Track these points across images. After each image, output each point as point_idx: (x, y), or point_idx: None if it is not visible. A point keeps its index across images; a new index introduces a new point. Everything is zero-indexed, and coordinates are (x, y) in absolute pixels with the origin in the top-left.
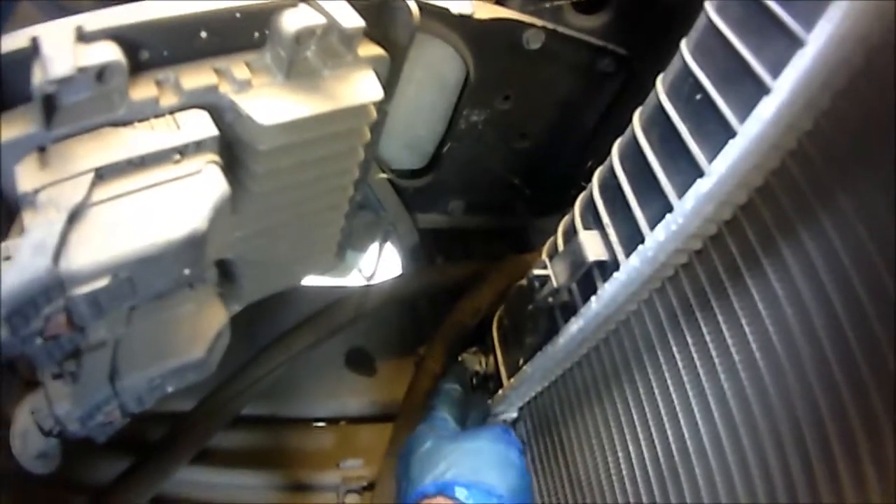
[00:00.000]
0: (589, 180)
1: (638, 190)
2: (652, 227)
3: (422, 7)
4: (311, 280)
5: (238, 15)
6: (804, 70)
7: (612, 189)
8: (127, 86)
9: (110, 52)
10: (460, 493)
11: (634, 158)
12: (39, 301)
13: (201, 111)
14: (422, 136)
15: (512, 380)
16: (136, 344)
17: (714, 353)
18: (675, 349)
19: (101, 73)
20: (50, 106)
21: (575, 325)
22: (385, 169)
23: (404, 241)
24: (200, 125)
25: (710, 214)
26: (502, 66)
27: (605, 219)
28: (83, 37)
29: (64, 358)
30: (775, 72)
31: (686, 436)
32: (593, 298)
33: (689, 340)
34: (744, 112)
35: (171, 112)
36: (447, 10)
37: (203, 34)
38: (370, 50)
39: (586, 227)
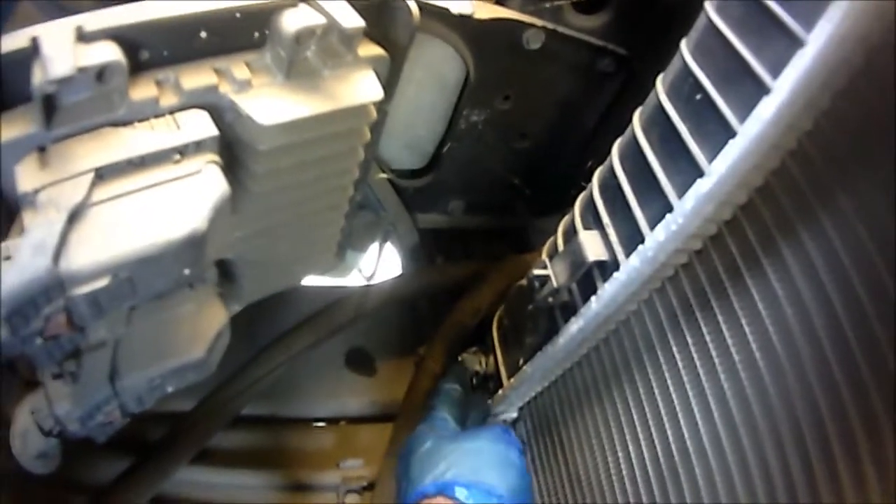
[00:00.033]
0: (589, 180)
1: (638, 190)
2: (652, 227)
3: (422, 7)
4: (311, 280)
5: (238, 15)
6: (804, 70)
7: (612, 189)
8: (127, 86)
9: (110, 52)
10: (460, 493)
11: (634, 158)
12: (39, 301)
13: (201, 111)
14: (422, 135)
15: (512, 380)
16: (136, 344)
17: (714, 353)
18: (675, 349)
19: (101, 73)
20: (50, 106)
21: (575, 325)
22: (385, 169)
23: (404, 241)
24: (200, 125)
25: (710, 214)
26: (502, 66)
27: (605, 219)
28: (83, 37)
29: (64, 358)
30: (775, 72)
31: (686, 436)
32: (593, 298)
33: (689, 340)
34: (744, 112)
35: (171, 112)
36: (447, 10)
37: (203, 34)
38: (370, 50)
39: (586, 227)
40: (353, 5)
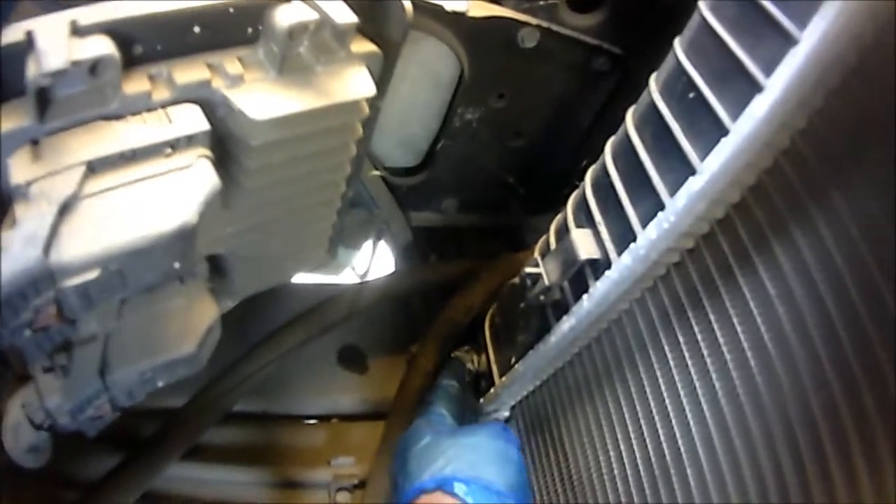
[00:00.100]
0: (583, 179)
1: (630, 188)
2: (644, 226)
3: (416, 4)
4: (304, 277)
5: (231, 10)
6: (797, 68)
7: (604, 187)
8: (120, 80)
9: (104, 46)
10: (459, 488)
11: (627, 157)
12: (29, 292)
13: (193, 106)
14: (416, 133)
15: (504, 378)
16: (127, 338)
17: (706, 353)
18: (666, 348)
19: (94, 67)
20: (44, 99)
21: (567, 324)
22: (378, 166)
23: (397, 238)
24: (192, 119)
25: (702, 213)
26: (497, 65)
27: (598, 217)
28: (77, 31)
29: (54, 351)
30: (768, 70)
31: (677, 435)
32: (585, 297)
33: (681, 339)
34: (737, 110)
35: (164, 106)
36: (441, 7)
37: (196, 29)
38: (363, 46)
39: (579, 226)
40: (346, 2)
